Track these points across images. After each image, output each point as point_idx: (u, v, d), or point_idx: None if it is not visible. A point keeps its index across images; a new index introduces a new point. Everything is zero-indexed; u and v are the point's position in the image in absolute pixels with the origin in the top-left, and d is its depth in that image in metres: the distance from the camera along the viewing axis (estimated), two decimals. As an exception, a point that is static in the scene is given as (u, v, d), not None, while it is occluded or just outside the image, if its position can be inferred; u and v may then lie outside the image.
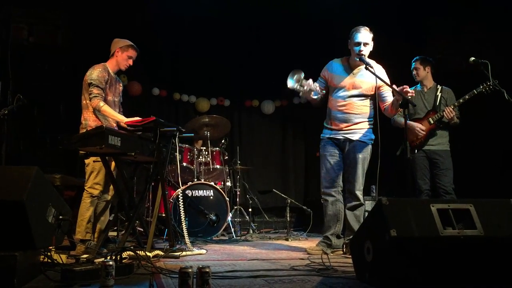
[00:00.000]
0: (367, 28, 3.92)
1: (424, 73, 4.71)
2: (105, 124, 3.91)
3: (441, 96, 4.65)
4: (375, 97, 3.96)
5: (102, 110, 3.86)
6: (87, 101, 3.94)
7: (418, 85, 4.80)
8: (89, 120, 3.94)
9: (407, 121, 4.49)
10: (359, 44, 3.87)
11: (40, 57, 6.19)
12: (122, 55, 4.10)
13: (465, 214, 2.33)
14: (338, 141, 4.01)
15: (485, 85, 4.26)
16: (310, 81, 3.69)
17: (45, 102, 6.09)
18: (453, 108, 4.45)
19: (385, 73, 3.97)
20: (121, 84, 4.28)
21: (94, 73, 3.95)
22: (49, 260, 2.72)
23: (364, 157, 3.96)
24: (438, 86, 4.73)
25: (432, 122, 4.56)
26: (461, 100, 4.43)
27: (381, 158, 3.79)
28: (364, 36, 3.88)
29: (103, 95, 3.93)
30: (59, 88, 6.21)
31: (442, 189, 4.50)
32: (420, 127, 4.55)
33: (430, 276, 2.28)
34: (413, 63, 4.77)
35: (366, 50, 3.88)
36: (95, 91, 3.89)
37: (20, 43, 6.05)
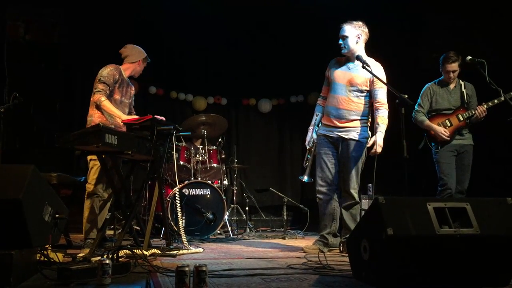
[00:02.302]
0: (351, 22, 3.97)
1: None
2: (110, 121, 3.94)
3: (466, 93, 4.55)
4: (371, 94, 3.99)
5: (102, 105, 3.89)
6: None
7: (437, 80, 4.65)
8: (93, 117, 3.98)
9: (431, 125, 4.49)
10: (338, 38, 3.99)
11: (37, 55, 6.17)
12: (142, 66, 4.31)
13: (461, 213, 2.33)
14: (333, 139, 4.01)
15: None
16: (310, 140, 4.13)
17: (42, 100, 6.07)
18: (486, 108, 4.36)
19: (382, 71, 3.97)
20: (133, 88, 4.35)
21: (105, 71, 4.02)
22: (45, 259, 2.71)
23: (358, 155, 3.96)
24: (461, 81, 4.60)
25: (462, 119, 4.45)
26: (496, 101, 4.31)
27: (377, 156, 3.80)
28: (343, 30, 3.97)
29: (107, 92, 3.97)
30: (56, 86, 6.19)
31: (458, 185, 4.43)
32: (443, 132, 4.43)
33: (427, 275, 2.29)
34: (450, 64, 4.46)
35: (345, 43, 3.96)
36: (100, 86, 3.95)
37: (17, 41, 6.03)
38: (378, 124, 3.90)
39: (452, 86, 4.60)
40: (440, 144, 4.50)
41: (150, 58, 4.32)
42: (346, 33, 3.95)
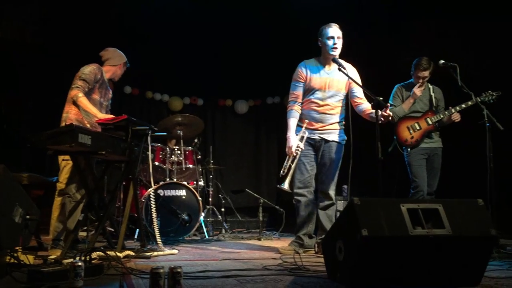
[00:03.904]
0: (337, 25, 3.95)
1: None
2: (86, 119, 3.87)
3: (434, 96, 4.63)
4: (347, 96, 4.02)
5: (79, 101, 3.82)
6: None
7: (406, 83, 4.71)
8: (70, 113, 3.89)
9: (408, 100, 4.54)
10: (332, 38, 3.88)
11: (9, 53, 6.03)
12: (122, 70, 4.29)
13: (434, 214, 2.38)
14: (314, 141, 4.02)
15: (487, 94, 4.27)
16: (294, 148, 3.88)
17: (13, 99, 5.94)
18: (458, 111, 4.43)
19: (356, 72, 4.01)
20: (110, 92, 4.29)
21: (87, 69, 3.96)
22: (15, 261, 2.65)
23: (339, 157, 4.01)
24: (429, 85, 4.67)
25: (430, 123, 4.52)
26: (463, 105, 4.37)
27: (352, 158, 3.84)
28: (338, 30, 3.91)
29: (86, 89, 3.89)
30: (28, 85, 6.06)
31: (428, 188, 4.50)
32: (417, 89, 4.47)
33: (401, 275, 2.32)
34: (421, 71, 4.49)
35: (340, 44, 3.91)
36: (79, 82, 3.87)
37: (-13, 39, 5.90)
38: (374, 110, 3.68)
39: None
40: (409, 147, 4.57)
41: (126, 57, 4.28)
42: (340, 35, 3.90)
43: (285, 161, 3.92)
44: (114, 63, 4.21)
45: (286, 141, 3.98)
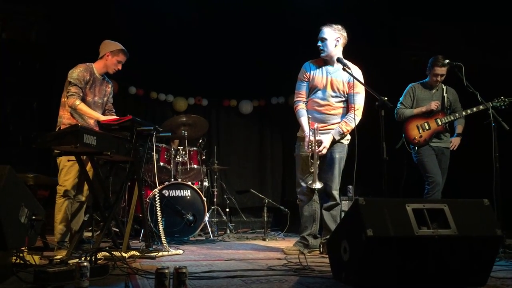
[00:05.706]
0: (331, 25, 3.97)
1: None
2: (81, 122, 3.87)
3: (447, 97, 4.63)
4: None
5: (78, 109, 3.82)
6: (65, 99, 3.90)
7: (420, 82, 4.71)
8: (63, 118, 3.90)
9: (418, 108, 4.58)
10: (318, 40, 4.00)
11: (14, 53, 6.06)
12: (112, 59, 4.05)
13: (439, 214, 2.37)
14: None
15: (500, 99, 4.27)
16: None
17: (19, 99, 5.96)
18: (464, 115, 4.50)
19: (361, 75, 4.00)
20: (110, 86, 4.22)
21: (75, 72, 3.91)
22: (21, 261, 2.66)
23: (340, 157, 3.99)
24: (443, 86, 4.66)
25: (440, 123, 4.53)
26: (474, 109, 4.39)
27: (357, 158, 3.83)
28: (323, 32, 3.97)
29: (81, 94, 3.88)
30: (33, 85, 6.09)
31: None
32: (434, 103, 4.51)
33: (406, 275, 2.31)
34: (440, 68, 4.48)
35: (324, 46, 3.95)
36: (72, 89, 3.85)
37: (-7, 40, 5.92)
38: (340, 126, 3.93)
39: (434, 89, 4.66)
40: (417, 146, 4.57)
41: (129, 58, 4.19)
42: (325, 36, 3.95)
43: (309, 161, 3.90)
44: (100, 56, 4.08)
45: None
